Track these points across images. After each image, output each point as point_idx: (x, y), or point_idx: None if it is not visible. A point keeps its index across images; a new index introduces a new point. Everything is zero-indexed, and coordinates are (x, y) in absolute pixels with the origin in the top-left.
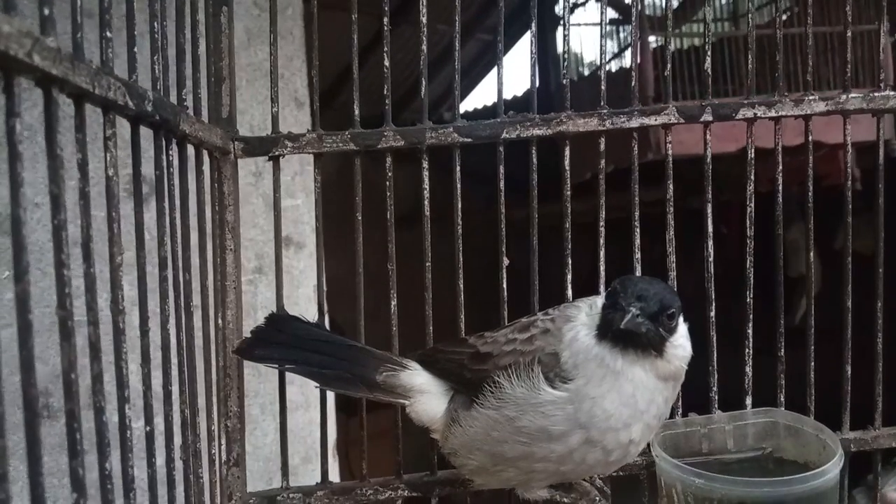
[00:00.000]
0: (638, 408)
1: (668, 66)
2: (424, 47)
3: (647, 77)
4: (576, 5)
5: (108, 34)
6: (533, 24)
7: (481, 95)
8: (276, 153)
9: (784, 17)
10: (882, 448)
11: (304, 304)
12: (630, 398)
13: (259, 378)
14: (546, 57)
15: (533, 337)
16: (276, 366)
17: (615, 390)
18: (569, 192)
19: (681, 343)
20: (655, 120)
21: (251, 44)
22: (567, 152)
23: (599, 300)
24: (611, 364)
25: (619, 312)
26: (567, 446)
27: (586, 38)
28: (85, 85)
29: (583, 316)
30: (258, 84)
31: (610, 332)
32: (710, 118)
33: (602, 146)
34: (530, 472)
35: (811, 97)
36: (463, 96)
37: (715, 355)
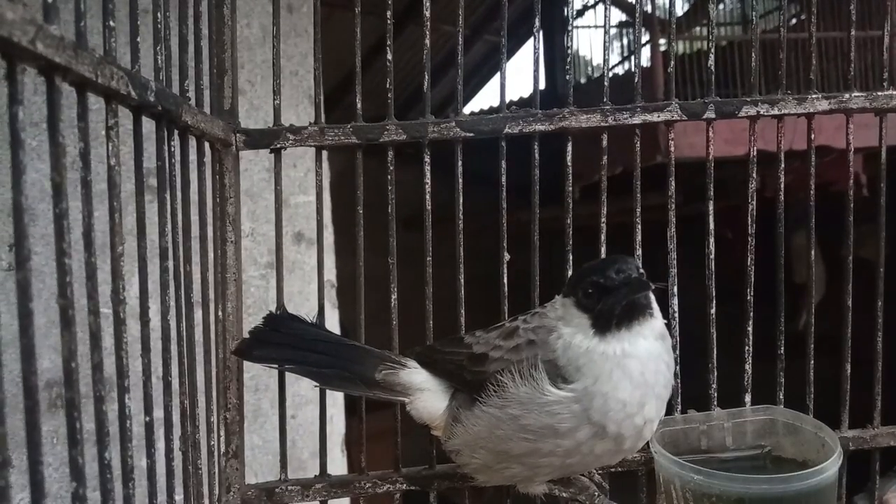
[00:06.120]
0: (648, 383)
1: (672, 62)
2: (427, 41)
3: (658, 80)
4: (585, 7)
5: (112, 23)
6: (537, 18)
7: (486, 98)
8: (278, 145)
9: (792, 23)
10: (881, 447)
11: (315, 299)
12: (640, 376)
13: (269, 373)
14: (553, 60)
15: (518, 347)
16: (276, 366)
17: (626, 377)
18: (570, 189)
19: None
20: (658, 116)
21: (266, 41)
22: (569, 148)
23: (560, 306)
24: (617, 351)
25: (626, 288)
26: (575, 440)
27: (596, 42)
28: (88, 74)
29: (561, 326)
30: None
31: (614, 317)
32: (712, 115)
33: (604, 142)
34: (536, 467)
35: (814, 95)
36: (468, 98)
37: (714, 352)
